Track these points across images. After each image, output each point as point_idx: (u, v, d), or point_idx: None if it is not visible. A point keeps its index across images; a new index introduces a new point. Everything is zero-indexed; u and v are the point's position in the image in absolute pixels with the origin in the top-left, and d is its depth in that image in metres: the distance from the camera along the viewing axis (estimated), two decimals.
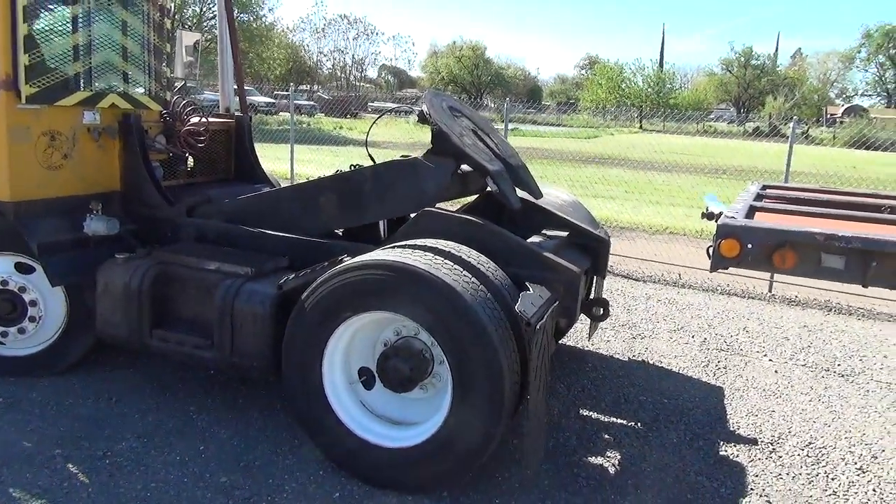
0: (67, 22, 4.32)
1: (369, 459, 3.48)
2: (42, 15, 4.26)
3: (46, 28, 4.27)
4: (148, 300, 3.95)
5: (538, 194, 4.63)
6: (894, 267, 2.96)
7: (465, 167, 4.30)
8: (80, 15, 4.35)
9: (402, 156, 4.46)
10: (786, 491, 3.69)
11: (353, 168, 4.62)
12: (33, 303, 4.33)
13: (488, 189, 4.64)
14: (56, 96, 4.19)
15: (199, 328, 3.90)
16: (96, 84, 4.52)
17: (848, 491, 3.73)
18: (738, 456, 4.02)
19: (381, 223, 4.63)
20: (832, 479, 3.83)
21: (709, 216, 3.96)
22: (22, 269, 4.34)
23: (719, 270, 3.34)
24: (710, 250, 3.31)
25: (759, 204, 4.03)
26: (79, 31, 4.34)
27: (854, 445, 4.24)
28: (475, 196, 4.98)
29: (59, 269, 4.12)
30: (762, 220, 3.49)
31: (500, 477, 3.63)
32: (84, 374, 4.53)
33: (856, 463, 4.03)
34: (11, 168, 4.04)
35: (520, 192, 4.50)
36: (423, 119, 4.20)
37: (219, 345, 3.77)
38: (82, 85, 4.42)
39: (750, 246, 3.15)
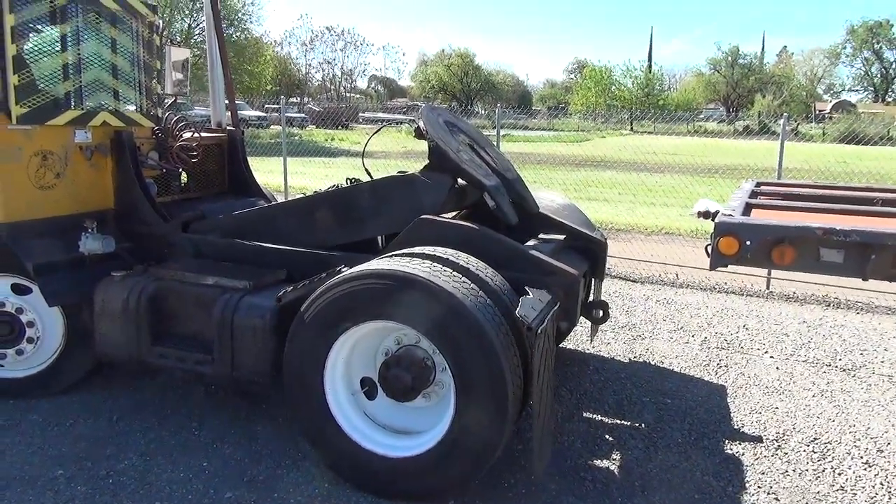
0: (56, 41, 4.30)
1: (374, 470, 3.45)
2: (31, 35, 4.25)
3: (35, 48, 4.26)
4: (146, 317, 3.93)
5: (534, 207, 4.64)
6: (893, 259, 2.96)
7: (461, 181, 4.30)
8: (69, 34, 4.33)
9: (400, 171, 4.47)
10: (793, 487, 3.68)
11: (349, 182, 4.61)
12: (31, 324, 4.30)
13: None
14: (47, 116, 4.17)
15: (198, 344, 3.88)
16: (87, 102, 4.51)
17: (855, 485, 3.72)
18: (743, 454, 4.01)
19: None
20: (839, 474, 3.83)
21: (705, 215, 3.96)
22: (18, 290, 4.31)
23: (719, 269, 3.34)
24: (709, 249, 3.31)
25: (754, 201, 4.04)
26: (68, 50, 4.32)
27: (859, 439, 4.24)
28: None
29: (55, 289, 4.09)
30: (759, 217, 3.49)
31: (507, 483, 3.61)
32: (84, 394, 4.49)
33: (862, 457, 4.02)
34: (4, 189, 4.02)
35: None
36: (420, 135, 4.21)
37: (219, 360, 3.74)
38: (73, 104, 4.41)
39: (749, 243, 3.15)
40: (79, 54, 4.39)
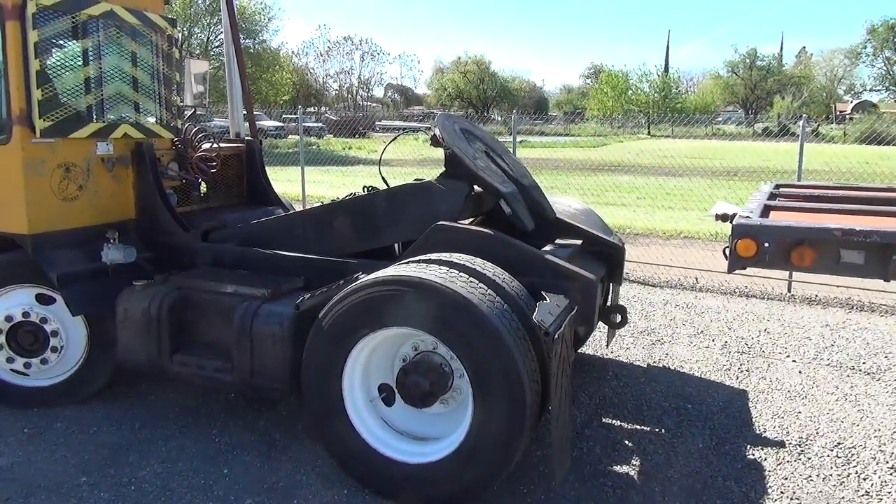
0: (78, 56, 4.39)
1: (391, 476, 3.46)
2: (53, 50, 4.33)
3: (58, 63, 4.34)
4: (167, 326, 3.98)
5: (551, 213, 4.63)
6: None
7: (477, 188, 4.31)
8: (91, 48, 4.42)
9: (416, 179, 4.49)
10: (816, 493, 3.63)
11: (366, 190, 4.64)
12: (55, 333, 4.37)
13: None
14: (69, 129, 4.25)
15: (218, 351, 3.92)
16: (108, 115, 4.59)
17: (881, 490, 3.66)
18: (766, 459, 3.96)
19: None
20: (864, 480, 3.77)
21: (723, 217, 3.94)
22: (43, 300, 4.38)
23: (737, 271, 3.31)
24: (727, 251, 3.29)
25: (773, 203, 4.00)
26: (89, 65, 4.41)
27: (884, 444, 4.17)
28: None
29: (78, 298, 4.16)
30: (778, 219, 3.46)
31: (526, 489, 3.60)
32: (107, 402, 4.55)
33: (887, 462, 3.96)
34: (28, 201, 4.10)
35: None
36: (436, 142, 4.24)
37: (239, 367, 3.78)
38: (95, 117, 4.49)
39: (767, 245, 3.12)
40: (100, 68, 4.48)
